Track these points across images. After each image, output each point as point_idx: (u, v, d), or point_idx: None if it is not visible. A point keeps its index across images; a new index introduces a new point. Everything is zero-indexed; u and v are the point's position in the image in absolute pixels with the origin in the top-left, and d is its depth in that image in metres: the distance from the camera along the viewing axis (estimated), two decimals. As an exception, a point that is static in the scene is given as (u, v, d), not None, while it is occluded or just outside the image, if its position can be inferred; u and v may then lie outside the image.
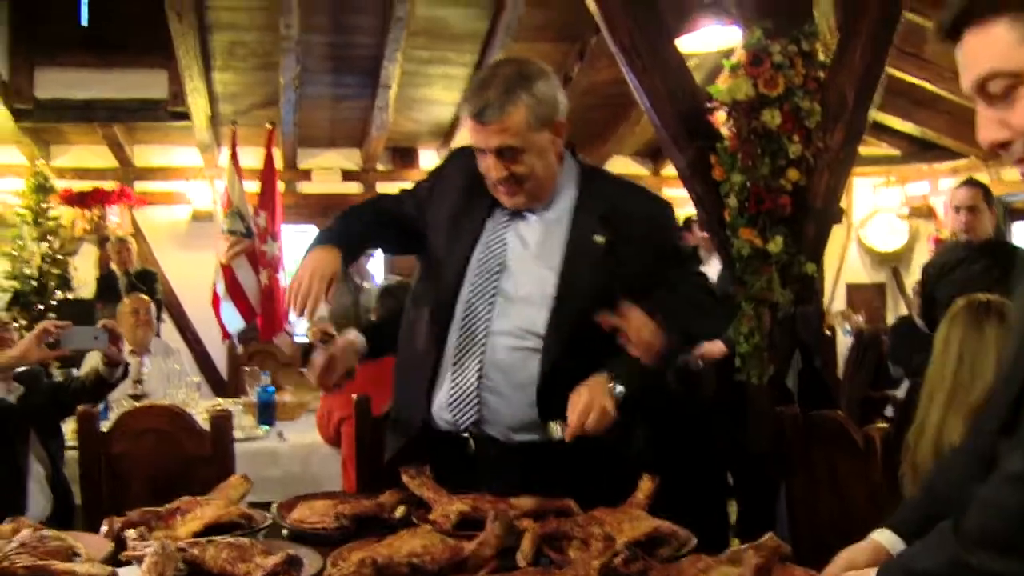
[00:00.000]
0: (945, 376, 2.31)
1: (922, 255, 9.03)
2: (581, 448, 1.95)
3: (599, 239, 2.04)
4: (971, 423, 1.45)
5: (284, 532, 1.91)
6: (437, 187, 2.21)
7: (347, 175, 8.53)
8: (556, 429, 1.97)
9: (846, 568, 1.41)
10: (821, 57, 3.71)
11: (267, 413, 3.91)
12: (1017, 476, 1.09)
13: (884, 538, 1.43)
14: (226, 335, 6.90)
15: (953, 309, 2.40)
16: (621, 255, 2.05)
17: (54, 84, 6.78)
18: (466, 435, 2.06)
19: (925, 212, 9.17)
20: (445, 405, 2.06)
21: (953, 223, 4.21)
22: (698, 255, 2.15)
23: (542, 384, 2.02)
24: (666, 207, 2.20)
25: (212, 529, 1.78)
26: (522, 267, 2.06)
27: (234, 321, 6.92)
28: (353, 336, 2.22)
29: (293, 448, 3.66)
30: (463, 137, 2.04)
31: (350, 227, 2.17)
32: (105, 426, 2.78)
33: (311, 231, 8.58)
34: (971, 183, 4.31)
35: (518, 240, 2.09)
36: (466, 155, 2.18)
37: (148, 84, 7.00)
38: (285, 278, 7.24)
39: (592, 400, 1.90)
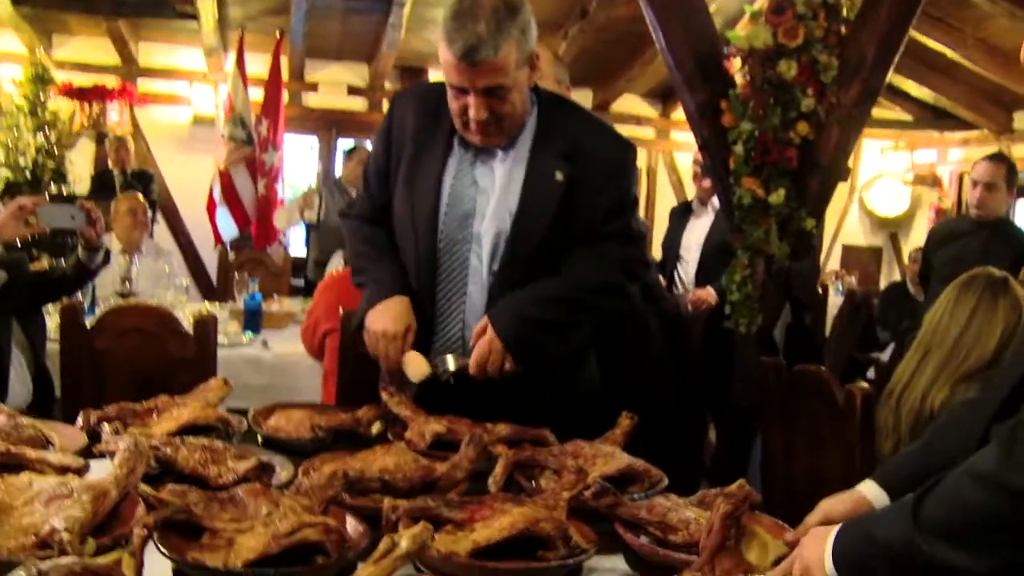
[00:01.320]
0: (948, 337, 2.30)
1: (922, 223, 9.01)
2: (534, 377, 1.96)
3: (559, 176, 1.97)
4: (981, 390, 1.45)
5: (259, 439, 1.92)
6: (392, 145, 2.08)
7: (353, 90, 8.42)
8: (449, 361, 1.96)
9: (824, 519, 1.42)
10: (845, 12, 3.62)
11: (253, 320, 3.91)
12: (984, 476, 1.09)
13: (868, 490, 1.44)
14: (219, 240, 6.86)
15: (971, 274, 2.39)
16: (579, 194, 1.98)
17: (58, -29, 6.62)
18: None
19: (930, 180, 9.12)
20: (433, 351, 2.04)
21: (969, 195, 4.13)
22: (637, 206, 2.06)
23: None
24: (629, 150, 2.09)
25: (188, 430, 1.78)
26: (490, 209, 1.99)
27: (228, 227, 6.88)
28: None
29: (276, 357, 3.66)
30: None
31: (385, 269, 2.05)
32: (91, 323, 2.77)
33: (312, 142, 8.51)
34: (997, 158, 4.18)
35: (488, 179, 2.00)
36: (408, 98, 2.10)
37: (156, -22, 6.83)
38: (283, 188, 7.18)
39: (490, 344, 1.91)
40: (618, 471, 1.72)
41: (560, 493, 1.52)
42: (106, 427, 1.72)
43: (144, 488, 1.33)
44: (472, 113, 1.88)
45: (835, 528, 1.24)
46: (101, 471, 1.46)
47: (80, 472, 1.45)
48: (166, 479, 1.50)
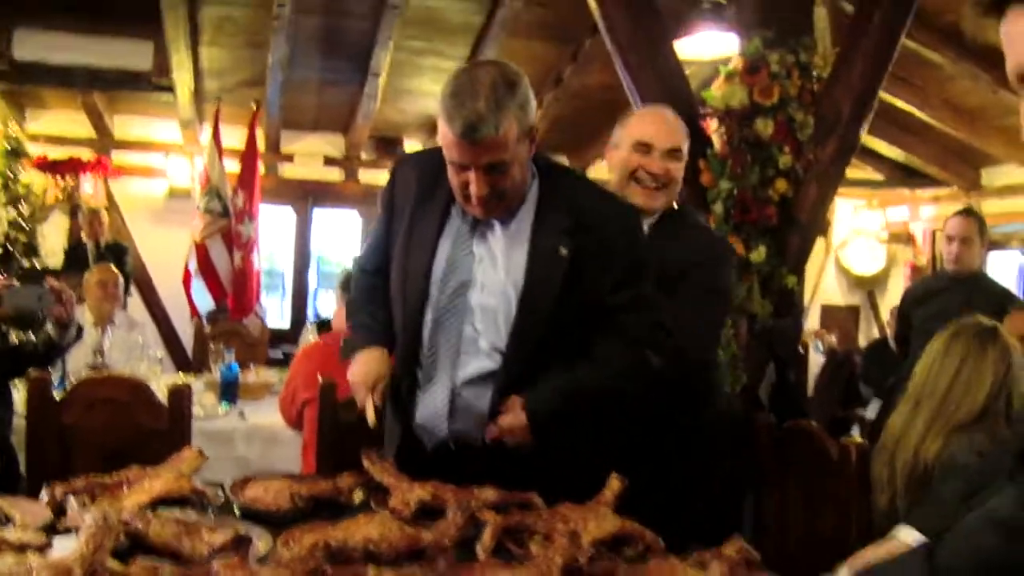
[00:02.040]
0: (938, 387, 2.28)
1: (898, 280, 9.08)
2: (546, 450, 1.94)
3: (564, 251, 1.93)
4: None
5: (236, 510, 1.83)
6: (396, 210, 2.08)
7: (329, 161, 8.43)
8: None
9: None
10: (817, 71, 3.68)
11: (230, 391, 3.82)
12: (1001, 521, 1.05)
13: (907, 536, 1.40)
14: (195, 313, 6.79)
15: (961, 324, 2.38)
16: (585, 267, 1.95)
17: (34, 46, 6.60)
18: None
19: (904, 238, 9.22)
20: (417, 422, 2.02)
21: (944, 251, 4.15)
22: (649, 273, 2.08)
23: (500, 398, 1.96)
24: (635, 215, 2.09)
25: (161, 503, 1.70)
26: (489, 280, 1.96)
27: (204, 300, 6.82)
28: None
29: (253, 429, 3.57)
30: None
31: (372, 314, 2.09)
32: (60, 396, 2.68)
33: (289, 214, 8.50)
34: (968, 213, 4.22)
35: (486, 251, 1.98)
36: (410, 164, 2.12)
37: (132, 54, 6.82)
38: (259, 260, 7.14)
39: (515, 418, 1.91)
40: (610, 534, 1.65)
41: (553, 558, 1.45)
42: (73, 501, 1.63)
43: (113, 565, 1.25)
44: (473, 189, 1.86)
45: None
46: (67, 548, 1.37)
47: (42, 550, 1.36)
48: (136, 553, 1.42)
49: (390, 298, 2.09)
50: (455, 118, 1.79)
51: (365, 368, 2.00)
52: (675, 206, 2.39)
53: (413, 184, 2.04)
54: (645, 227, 2.22)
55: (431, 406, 2.00)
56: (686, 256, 2.28)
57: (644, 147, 2.28)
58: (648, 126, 2.32)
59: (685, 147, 2.32)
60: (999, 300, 3.92)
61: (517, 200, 1.96)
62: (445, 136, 1.84)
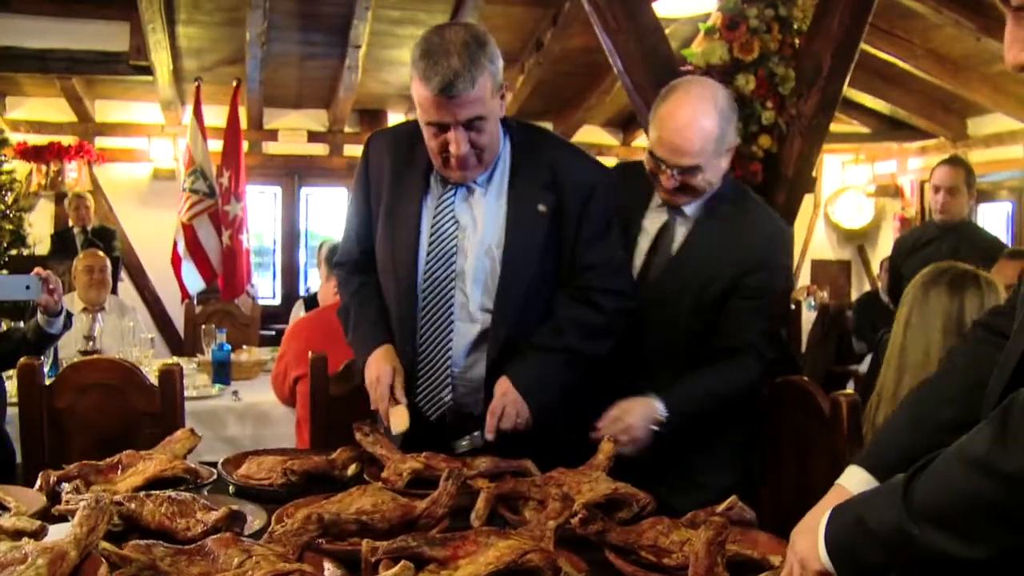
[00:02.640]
0: (895, 342, 2.31)
1: (887, 233, 9.09)
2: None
3: (542, 207, 1.97)
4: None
5: (230, 488, 1.84)
6: (371, 187, 2.09)
7: (313, 136, 8.38)
8: (464, 443, 1.99)
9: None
10: (797, 24, 3.65)
11: (222, 371, 3.82)
12: (975, 460, 1.03)
13: (851, 480, 1.37)
14: (185, 295, 6.76)
15: (938, 268, 2.38)
16: (562, 223, 1.98)
17: (8, 31, 6.52)
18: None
19: (892, 191, 9.22)
20: (419, 394, 2.03)
21: (931, 201, 4.16)
22: (618, 231, 2.08)
23: (492, 361, 1.99)
24: (606, 174, 2.08)
25: (155, 484, 1.71)
26: (474, 245, 1.99)
27: (194, 281, 6.79)
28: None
29: (247, 408, 3.57)
30: None
31: (367, 313, 2.09)
32: (50, 382, 2.67)
33: (276, 191, 8.45)
34: (954, 162, 4.23)
35: (468, 216, 2.00)
36: (382, 140, 2.12)
37: (109, 36, 6.75)
38: (248, 239, 7.11)
39: (511, 408, 1.92)
40: (604, 497, 1.66)
41: (546, 523, 1.46)
42: (67, 486, 1.64)
43: (106, 546, 1.25)
44: (453, 148, 1.88)
45: (825, 515, 1.19)
46: (62, 534, 1.38)
47: (37, 535, 1.36)
48: (131, 536, 1.43)
49: (378, 282, 2.10)
50: (431, 77, 1.80)
51: (377, 363, 2.00)
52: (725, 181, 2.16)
53: (387, 159, 2.06)
54: (693, 211, 2.13)
55: (431, 378, 2.02)
56: (738, 257, 2.09)
57: (657, 160, 2.07)
58: (663, 141, 2.04)
59: (705, 160, 2.02)
60: (987, 249, 3.92)
61: (492, 158, 1.98)
62: (422, 97, 1.85)
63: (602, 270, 2.02)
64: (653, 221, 2.18)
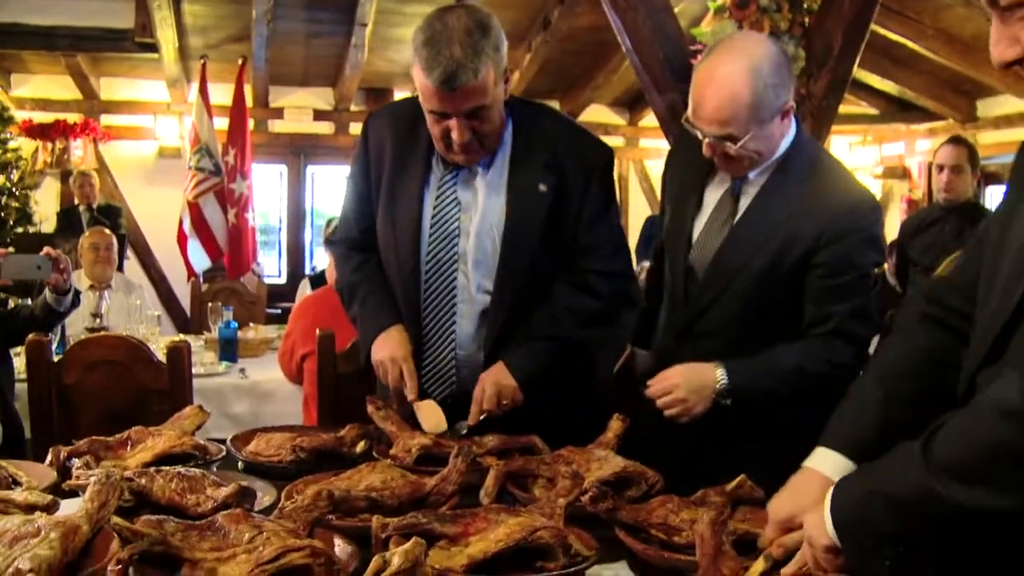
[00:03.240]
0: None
1: (895, 216, 9.04)
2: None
3: (543, 188, 1.94)
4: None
5: (240, 465, 1.85)
6: (371, 166, 2.05)
7: (319, 114, 8.36)
8: (463, 427, 1.97)
9: (791, 517, 1.33)
10: (807, 3, 3.62)
11: (229, 349, 3.83)
12: (1002, 408, 1.04)
13: (824, 463, 1.37)
14: (191, 273, 6.77)
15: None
16: (563, 202, 1.96)
17: (13, 8, 6.50)
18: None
19: (899, 172, 9.16)
20: (424, 375, 2.02)
21: (935, 181, 4.15)
22: (618, 211, 2.04)
23: (492, 343, 1.98)
24: (607, 152, 2.05)
25: (164, 460, 1.72)
26: (476, 225, 1.98)
27: (200, 259, 6.80)
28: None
29: (254, 385, 3.59)
30: None
31: (374, 290, 2.05)
32: (59, 359, 2.69)
33: (281, 170, 8.44)
34: (957, 141, 4.25)
35: (470, 197, 1.98)
36: (382, 118, 2.08)
37: (114, 13, 6.74)
38: (253, 217, 7.11)
39: (492, 389, 1.91)
40: (613, 475, 1.66)
41: (556, 500, 1.46)
42: (77, 462, 1.64)
43: (117, 521, 1.26)
44: (455, 136, 1.85)
45: (828, 492, 1.19)
46: (72, 509, 1.38)
47: (49, 510, 1.37)
48: (142, 511, 1.43)
49: (379, 261, 2.08)
50: (433, 67, 1.76)
51: (392, 344, 1.97)
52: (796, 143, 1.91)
53: (388, 137, 2.03)
54: (761, 177, 1.89)
55: (436, 360, 2.02)
56: (813, 227, 1.84)
57: (693, 127, 1.84)
58: (695, 109, 1.82)
59: (740, 128, 1.77)
60: None
61: (496, 142, 1.96)
62: (423, 86, 1.81)
63: (601, 251, 2.00)
64: (714, 192, 1.97)
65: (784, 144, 1.88)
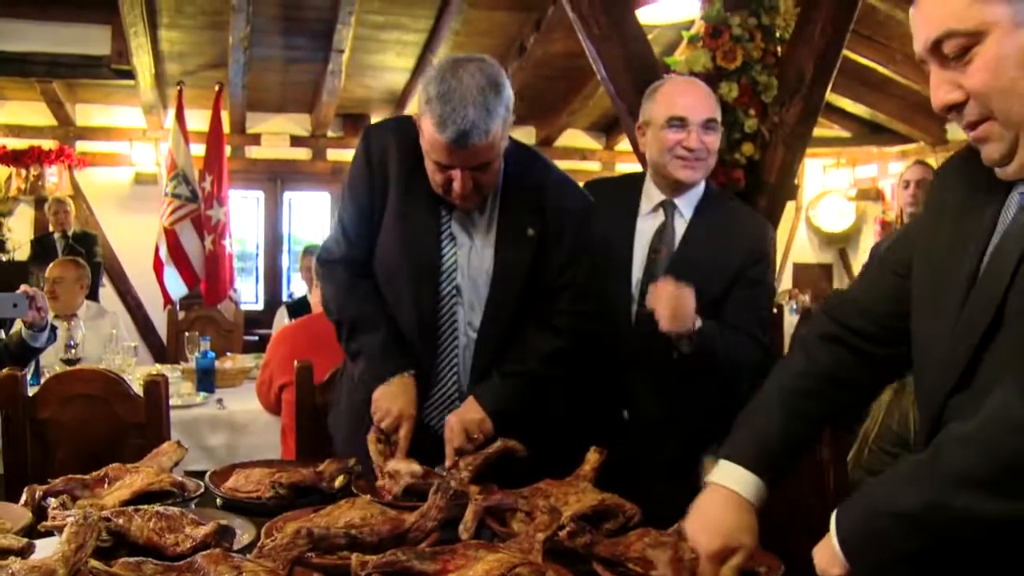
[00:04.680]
0: None
1: (869, 237, 9.15)
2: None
3: (531, 231, 2.00)
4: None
5: (218, 501, 1.84)
6: (375, 182, 2.02)
7: (296, 140, 8.35)
8: (442, 471, 1.96)
9: (724, 548, 1.35)
10: (779, 32, 3.67)
11: (206, 379, 3.80)
12: (1013, 424, 1.04)
13: (733, 481, 1.39)
14: (168, 301, 6.73)
15: None
16: (547, 247, 2.01)
17: (-12, 35, 6.49)
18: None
19: (873, 194, 9.28)
20: (426, 410, 2.04)
21: (902, 197, 4.29)
22: (591, 259, 2.15)
23: (475, 379, 2.02)
24: (589, 202, 2.13)
25: (142, 498, 1.71)
26: (468, 263, 2.01)
27: (177, 286, 6.76)
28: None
29: (232, 416, 3.56)
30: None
31: (388, 328, 2.02)
32: (33, 392, 2.66)
33: (258, 196, 8.42)
34: (921, 162, 4.49)
35: (464, 234, 2.02)
36: (383, 131, 2.05)
37: (90, 39, 6.71)
38: (231, 244, 7.08)
39: (459, 428, 1.93)
40: (591, 508, 1.67)
41: (534, 535, 1.47)
42: (53, 502, 1.63)
43: (95, 564, 1.25)
44: (457, 187, 1.88)
45: (832, 521, 1.19)
46: (48, 550, 1.37)
47: (23, 553, 1.36)
48: (120, 551, 1.42)
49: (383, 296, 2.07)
50: (447, 125, 1.78)
51: (403, 404, 1.95)
52: (707, 184, 2.30)
53: (393, 159, 2.00)
54: (688, 210, 2.23)
55: (440, 394, 2.05)
56: (739, 249, 2.20)
57: (679, 121, 2.16)
58: (680, 99, 2.19)
59: (719, 116, 2.21)
60: None
61: (493, 189, 1.99)
62: (433, 139, 1.83)
63: (569, 292, 2.06)
64: (649, 224, 2.25)
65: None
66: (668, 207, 2.24)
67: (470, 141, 1.79)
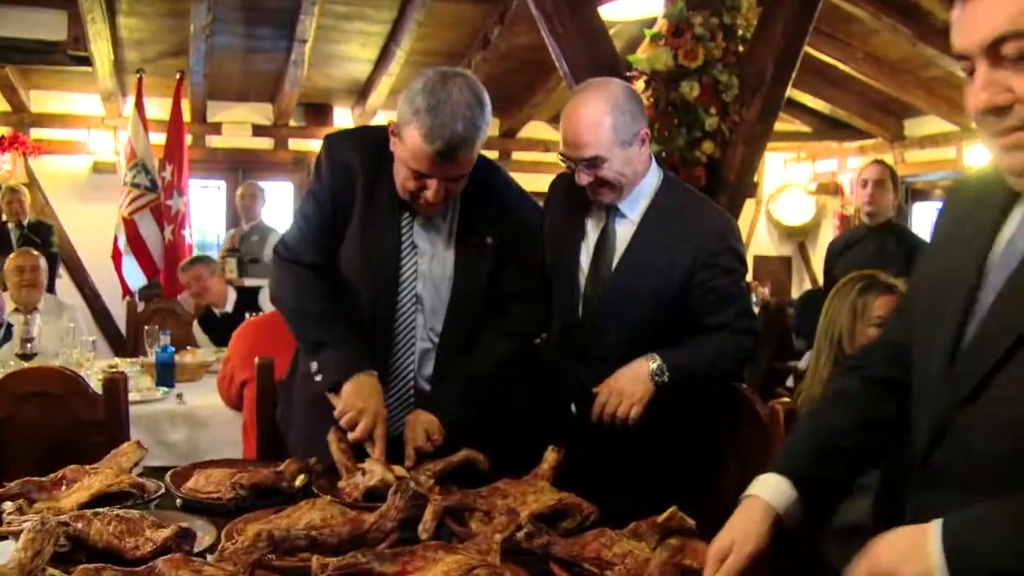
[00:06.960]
0: (832, 334, 2.54)
1: (828, 231, 9.28)
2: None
3: (490, 240, 2.05)
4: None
5: (178, 502, 1.84)
6: (338, 189, 2.04)
7: (258, 130, 8.27)
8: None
9: (753, 551, 1.35)
10: (741, 32, 3.72)
11: (166, 374, 3.78)
12: None
13: (769, 492, 1.39)
14: (127, 291, 6.65)
15: (849, 276, 2.66)
16: (505, 255, 2.07)
17: (-59, 20, 6.34)
18: None
19: (832, 189, 9.41)
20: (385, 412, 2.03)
21: (858, 197, 4.36)
22: (543, 267, 2.23)
23: (432, 380, 2.09)
24: (540, 213, 2.22)
25: (101, 500, 1.70)
26: (429, 270, 2.05)
27: (136, 277, 6.69)
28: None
29: (192, 411, 3.54)
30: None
31: (348, 327, 2.02)
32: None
33: (220, 186, 8.33)
34: (879, 162, 4.53)
35: (426, 242, 2.06)
36: (347, 147, 2.06)
37: (46, 24, 6.56)
38: (191, 234, 7.01)
39: (420, 428, 1.97)
40: (549, 508, 1.70)
41: (492, 536, 1.49)
42: (8, 506, 1.62)
43: (53, 572, 1.25)
44: (430, 195, 1.92)
45: (933, 552, 1.06)
46: (4, 557, 1.37)
47: (-19, 559, 1.36)
48: (79, 555, 1.42)
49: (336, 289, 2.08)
50: (435, 138, 1.82)
51: (373, 403, 1.94)
52: (661, 175, 2.22)
53: (356, 162, 2.02)
54: (632, 210, 2.18)
55: (397, 396, 2.08)
56: (695, 244, 2.14)
57: (565, 159, 2.11)
58: (566, 133, 2.09)
59: (605, 149, 2.05)
60: (910, 248, 4.10)
61: (457, 195, 2.03)
62: (418, 149, 1.85)
63: (523, 298, 2.13)
64: (595, 224, 2.24)
65: (652, 180, 2.19)
66: (610, 209, 2.20)
67: (457, 155, 1.84)
